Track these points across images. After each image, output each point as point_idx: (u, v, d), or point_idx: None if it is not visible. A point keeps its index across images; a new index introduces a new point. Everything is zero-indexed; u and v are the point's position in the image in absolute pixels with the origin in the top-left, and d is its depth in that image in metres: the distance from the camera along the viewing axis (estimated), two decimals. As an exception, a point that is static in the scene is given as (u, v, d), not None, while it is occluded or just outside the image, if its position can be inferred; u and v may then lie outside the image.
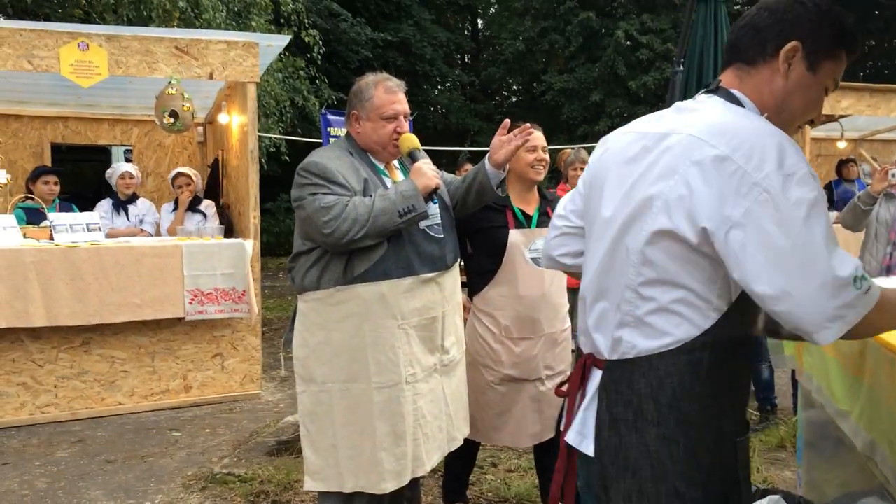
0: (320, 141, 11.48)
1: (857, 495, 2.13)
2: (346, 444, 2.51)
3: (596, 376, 1.57)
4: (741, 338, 1.46)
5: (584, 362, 1.60)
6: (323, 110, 6.26)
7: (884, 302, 1.31)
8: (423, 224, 2.60)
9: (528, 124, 2.75)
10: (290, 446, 4.28)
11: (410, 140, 2.66)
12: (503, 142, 2.71)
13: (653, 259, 1.42)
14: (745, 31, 1.50)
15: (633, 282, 1.45)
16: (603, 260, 1.55)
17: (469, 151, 15.71)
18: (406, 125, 2.69)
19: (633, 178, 1.49)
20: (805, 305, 1.25)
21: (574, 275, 1.88)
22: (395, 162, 2.78)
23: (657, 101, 20.11)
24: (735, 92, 1.49)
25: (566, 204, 1.84)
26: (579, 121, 19.28)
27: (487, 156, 2.76)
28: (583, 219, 1.75)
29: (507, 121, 2.74)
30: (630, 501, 1.47)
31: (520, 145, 2.71)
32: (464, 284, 3.20)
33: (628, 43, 18.25)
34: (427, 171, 2.57)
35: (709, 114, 1.44)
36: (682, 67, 4.63)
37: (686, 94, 4.40)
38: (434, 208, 2.66)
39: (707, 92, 1.54)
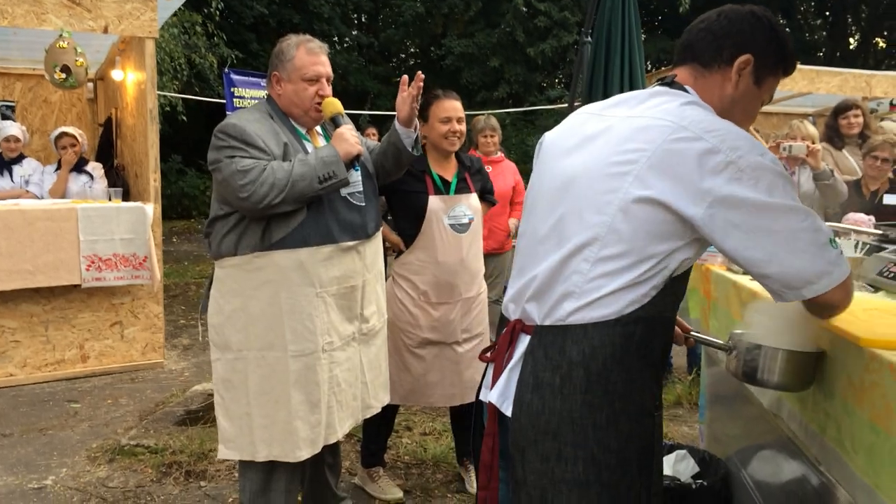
0: (217, 101, 11.13)
1: (758, 447, 2.30)
2: (260, 413, 2.49)
3: (524, 341, 1.60)
4: (668, 316, 1.57)
5: (514, 327, 1.63)
6: (226, 69, 6.03)
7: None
8: (344, 191, 2.57)
9: (420, 72, 2.71)
10: (200, 415, 4.20)
11: (333, 105, 2.61)
12: (405, 98, 2.69)
13: (616, 233, 1.47)
14: (703, 34, 1.59)
15: (593, 254, 1.50)
16: (548, 230, 1.60)
17: (370, 115, 15.61)
18: (329, 88, 2.63)
19: (593, 154, 1.55)
20: (795, 265, 1.38)
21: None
22: (318, 128, 2.73)
23: (554, 68, 20.48)
24: (689, 90, 1.58)
25: None
26: (478, 86, 19.37)
27: (395, 116, 2.75)
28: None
29: (405, 77, 2.70)
30: (548, 462, 1.53)
31: (416, 95, 2.68)
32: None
33: (527, 10, 18.38)
34: (349, 138, 2.53)
35: (675, 105, 1.52)
36: (590, 39, 4.73)
37: (594, 66, 4.50)
38: (356, 176, 2.64)
39: (663, 84, 1.62)
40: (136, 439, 3.92)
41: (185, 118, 12.68)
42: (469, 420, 3.48)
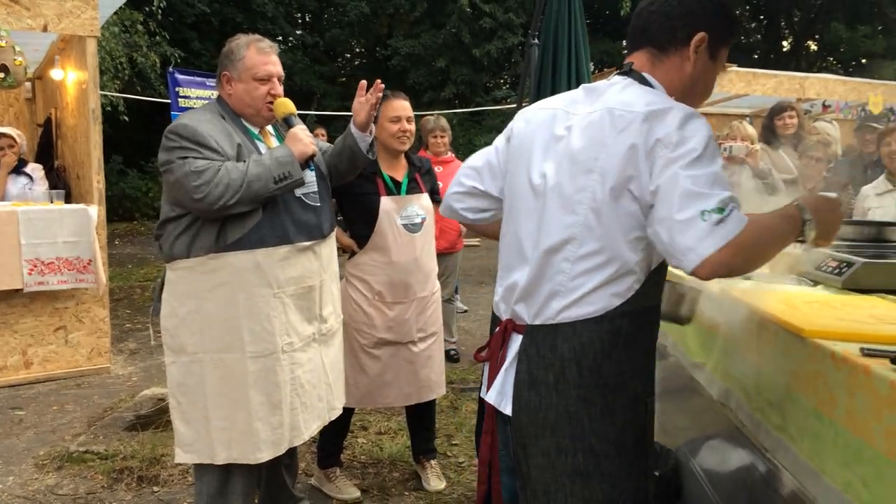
0: (160, 101, 10.93)
1: (707, 438, 2.39)
2: (218, 416, 2.48)
3: (516, 340, 1.66)
4: (653, 306, 1.63)
5: (506, 326, 1.69)
6: (170, 69, 5.94)
7: (757, 226, 1.42)
8: (298, 192, 2.57)
9: (380, 81, 2.75)
10: (150, 420, 4.13)
11: (286, 105, 2.60)
12: (362, 103, 2.71)
13: (591, 231, 1.52)
14: (656, 17, 1.63)
15: (573, 253, 1.55)
16: (534, 231, 1.64)
17: (317, 115, 15.51)
18: (280, 88, 2.62)
19: (562, 153, 1.60)
20: (682, 229, 1.37)
21: (473, 228, 1.98)
22: (270, 128, 2.72)
23: (500, 69, 20.65)
24: (647, 76, 1.62)
25: (478, 166, 1.90)
26: (425, 87, 19.41)
27: (352, 120, 2.76)
28: (495, 187, 1.84)
29: (364, 82, 2.73)
30: (549, 457, 1.59)
31: (374, 102, 2.71)
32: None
33: (472, 11, 18.48)
34: (304, 138, 2.53)
35: (632, 95, 1.56)
36: (537, 41, 4.80)
37: (542, 68, 4.57)
38: (310, 176, 2.64)
39: (621, 73, 1.66)
40: (84, 445, 3.84)
41: (126, 118, 12.40)
42: (424, 418, 3.53)
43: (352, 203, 3.24)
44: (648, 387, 1.64)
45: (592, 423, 1.55)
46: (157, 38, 13.54)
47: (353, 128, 2.74)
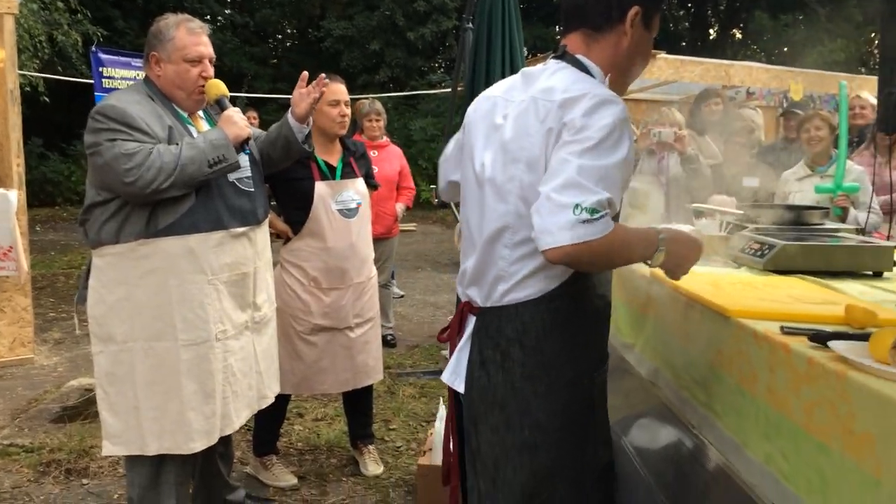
0: (82, 81, 10.52)
1: (637, 416, 2.46)
2: (149, 405, 2.43)
3: (471, 322, 1.74)
4: (594, 286, 1.68)
5: (462, 308, 1.76)
6: (93, 48, 5.71)
7: (616, 238, 1.46)
8: (232, 177, 2.52)
9: (325, 75, 2.73)
10: (78, 412, 4.02)
11: (217, 86, 2.55)
12: (303, 95, 2.67)
13: (523, 218, 1.57)
14: None
15: (510, 240, 1.61)
16: (478, 219, 1.71)
17: (248, 98, 15.17)
18: (212, 70, 2.56)
19: (497, 143, 1.66)
20: (552, 211, 1.42)
21: None
22: (200, 112, 2.66)
23: (434, 53, 20.57)
24: (581, 58, 1.65)
25: (445, 158, 2.04)
26: (359, 70, 19.19)
27: (290, 110, 2.72)
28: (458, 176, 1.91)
29: (306, 73, 2.69)
30: (497, 433, 1.67)
31: (318, 97, 2.69)
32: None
33: (406, -7, 18.37)
34: (238, 120, 2.49)
35: (558, 80, 1.59)
36: (471, 25, 4.81)
37: (476, 53, 4.59)
38: (244, 160, 2.60)
39: (555, 57, 1.69)
40: (9, 439, 3.71)
41: (46, 99, 11.90)
42: (361, 404, 3.53)
43: (286, 188, 3.20)
44: (593, 363, 1.70)
45: (537, 399, 1.62)
46: (79, 15, 13.01)
47: (290, 118, 2.70)
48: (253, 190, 2.63)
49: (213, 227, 2.44)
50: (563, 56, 1.67)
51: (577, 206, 1.39)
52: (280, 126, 2.74)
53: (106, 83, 5.71)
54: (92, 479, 3.33)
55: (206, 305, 2.45)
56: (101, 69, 5.74)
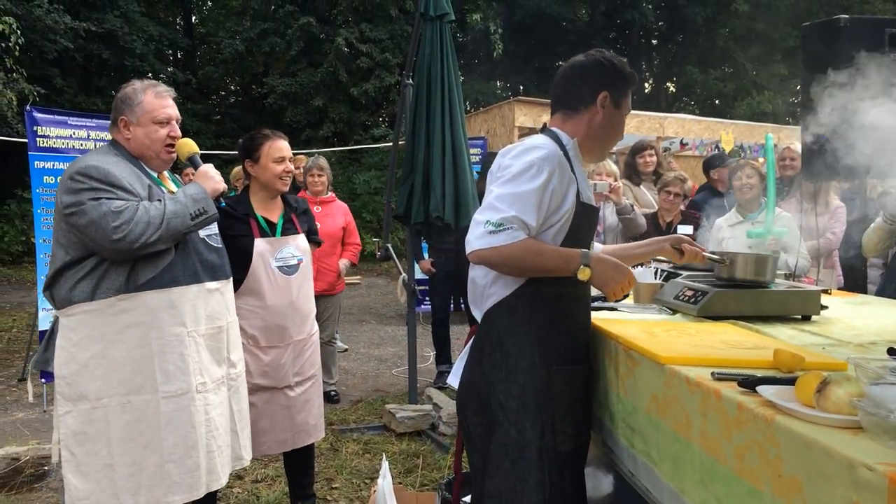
0: (17, 140, 10.29)
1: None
2: (124, 462, 2.40)
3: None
4: (550, 292, 2.00)
5: (475, 325, 2.16)
6: (28, 107, 5.60)
7: (527, 248, 1.88)
8: (202, 233, 2.61)
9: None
10: (3, 483, 3.81)
11: (188, 144, 2.67)
12: None
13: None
14: (566, 86, 2.10)
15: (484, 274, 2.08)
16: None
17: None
18: (179, 131, 2.65)
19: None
20: (474, 226, 1.91)
21: None
22: (166, 172, 2.71)
23: (378, 108, 20.79)
24: (556, 130, 2.10)
25: None
26: (303, 125, 19.23)
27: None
28: None
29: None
30: (477, 416, 2.08)
31: None
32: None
33: (348, 50, 18.57)
34: (214, 175, 2.62)
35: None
36: (411, 81, 4.89)
37: (417, 107, 4.66)
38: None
39: (539, 132, 2.13)
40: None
41: (-23, 158, 11.60)
42: (302, 463, 3.43)
43: (225, 245, 3.15)
44: (552, 360, 1.99)
45: (500, 383, 2.01)
46: (15, 74, 12.79)
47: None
48: (220, 246, 2.72)
49: (191, 280, 2.53)
50: (543, 130, 2.12)
51: (487, 221, 1.88)
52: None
53: (41, 142, 5.58)
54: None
55: (186, 357, 2.48)
56: (35, 128, 5.62)
